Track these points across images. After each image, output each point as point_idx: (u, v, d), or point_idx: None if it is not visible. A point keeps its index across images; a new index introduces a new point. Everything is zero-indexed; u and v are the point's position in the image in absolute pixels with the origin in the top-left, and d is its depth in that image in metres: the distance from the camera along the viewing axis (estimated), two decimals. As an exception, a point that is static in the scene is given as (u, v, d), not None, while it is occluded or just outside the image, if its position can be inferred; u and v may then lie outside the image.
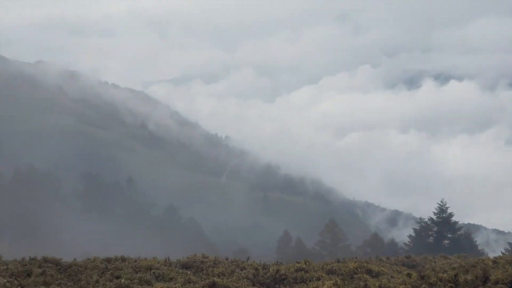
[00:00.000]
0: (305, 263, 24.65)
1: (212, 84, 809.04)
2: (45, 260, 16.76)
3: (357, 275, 21.71)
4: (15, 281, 12.42)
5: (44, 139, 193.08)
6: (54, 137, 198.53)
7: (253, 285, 19.83)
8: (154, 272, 18.48)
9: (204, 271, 21.68)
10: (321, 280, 20.39)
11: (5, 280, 12.17)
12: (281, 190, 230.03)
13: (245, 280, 20.17)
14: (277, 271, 21.72)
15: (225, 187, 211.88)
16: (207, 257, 26.20)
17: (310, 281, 20.43)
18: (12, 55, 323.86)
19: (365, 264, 24.05)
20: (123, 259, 20.74)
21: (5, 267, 14.23)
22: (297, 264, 24.54)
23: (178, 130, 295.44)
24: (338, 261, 27.55)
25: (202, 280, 18.48)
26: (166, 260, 23.89)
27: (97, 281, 14.64)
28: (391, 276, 21.57)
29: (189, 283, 17.37)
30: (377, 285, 18.44)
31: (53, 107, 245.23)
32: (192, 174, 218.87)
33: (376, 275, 21.88)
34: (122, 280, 13.82)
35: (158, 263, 22.11)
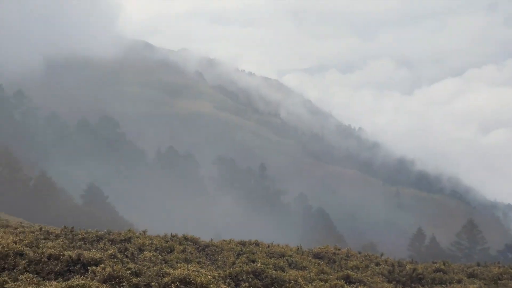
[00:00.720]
0: (444, 264, 23.03)
1: (348, 74, 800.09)
2: (185, 238, 17.16)
3: (502, 281, 19.78)
4: (160, 256, 12.73)
5: (184, 123, 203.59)
6: (194, 121, 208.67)
7: (388, 281, 18.80)
8: (287, 259, 18.16)
9: (336, 263, 20.96)
10: (462, 283, 18.80)
11: (151, 254, 12.52)
12: (414, 186, 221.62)
13: (380, 276, 19.18)
14: (414, 269, 20.45)
15: (356, 179, 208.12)
16: (339, 249, 25.42)
17: (450, 283, 18.93)
18: (158, 43, 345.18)
19: (510, 270, 21.84)
20: (257, 244, 20.71)
21: (150, 241, 14.72)
22: (434, 264, 23.00)
23: (310, 119, 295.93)
24: (479, 265, 25.40)
25: (335, 272, 17.82)
26: (298, 248, 23.52)
27: (233, 263, 14.60)
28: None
29: (323, 273, 16.79)
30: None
31: (193, 93, 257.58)
32: (322, 164, 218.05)
33: (524, 282, 19.76)
34: (258, 265, 13.58)
35: (291, 250, 21.79)
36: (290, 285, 12.73)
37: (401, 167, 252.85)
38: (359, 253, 25.67)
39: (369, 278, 17.31)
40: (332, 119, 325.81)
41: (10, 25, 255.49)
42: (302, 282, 13.13)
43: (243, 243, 19.92)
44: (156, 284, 9.88)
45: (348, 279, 16.10)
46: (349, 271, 17.21)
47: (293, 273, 14.30)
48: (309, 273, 15.86)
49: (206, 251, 16.49)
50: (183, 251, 14.64)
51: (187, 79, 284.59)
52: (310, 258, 20.79)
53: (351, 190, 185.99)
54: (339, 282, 14.45)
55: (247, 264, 13.95)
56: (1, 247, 10.84)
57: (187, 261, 13.36)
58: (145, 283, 10.00)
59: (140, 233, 17.00)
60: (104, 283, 9.53)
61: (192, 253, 15.03)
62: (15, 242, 11.75)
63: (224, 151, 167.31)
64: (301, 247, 23.70)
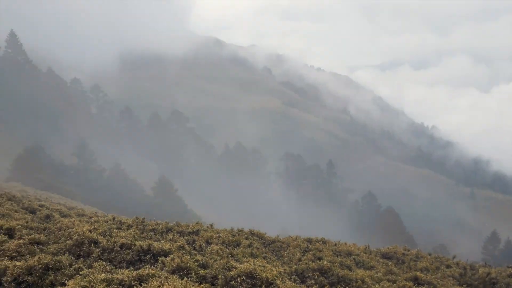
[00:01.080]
0: (522, 269, 21.91)
1: (422, 70, 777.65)
2: (252, 233, 17.27)
3: None
4: (226, 249, 12.86)
5: (252, 119, 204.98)
6: (262, 117, 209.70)
7: (460, 285, 18.13)
8: (354, 258, 17.90)
9: (405, 264, 20.45)
10: (542, 291, 17.87)
11: (217, 247, 12.69)
12: (489, 187, 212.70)
13: (451, 278, 18.52)
14: (488, 274, 19.60)
15: (428, 179, 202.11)
16: (408, 250, 24.78)
17: (526, 289, 18.04)
18: (229, 39, 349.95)
19: None
20: (323, 241, 20.54)
21: (217, 235, 14.91)
22: (509, 268, 21.92)
23: (380, 116, 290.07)
24: (561, 273, 24.00)
25: (404, 273, 17.40)
26: (366, 247, 23.14)
27: (300, 260, 14.54)
28: None
29: (391, 274, 16.44)
30: None
31: (261, 89, 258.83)
32: (393, 163, 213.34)
33: None
34: (324, 262, 13.46)
35: (358, 249, 21.48)
36: (357, 284, 12.55)
37: (476, 168, 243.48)
38: (429, 254, 24.95)
39: (439, 280, 16.79)
40: (404, 117, 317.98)
41: (88, 23, 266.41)
42: (370, 282, 12.91)
43: (309, 240, 19.82)
44: (223, 277, 10.00)
45: (416, 281, 15.70)
46: (418, 273, 16.77)
47: (360, 272, 14.08)
48: (377, 273, 15.59)
49: (272, 247, 16.52)
50: (249, 245, 14.74)
51: (256, 75, 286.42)
52: (378, 258, 20.43)
53: (423, 190, 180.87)
54: (407, 283, 14.11)
55: (313, 262, 13.87)
56: (77, 235, 11.32)
57: (253, 255, 13.43)
58: (211, 276, 10.15)
59: (207, 226, 17.27)
60: (172, 273, 9.76)
61: (258, 248, 15.10)
62: (90, 231, 12.23)
63: (292, 147, 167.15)
64: (368, 246, 23.32)
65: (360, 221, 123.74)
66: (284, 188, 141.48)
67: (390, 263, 19.65)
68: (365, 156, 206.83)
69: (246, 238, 16.28)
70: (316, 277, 12.66)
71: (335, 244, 20.59)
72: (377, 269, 16.97)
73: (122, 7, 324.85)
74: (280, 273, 11.19)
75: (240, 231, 17.59)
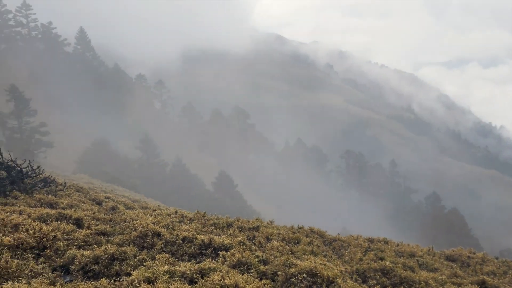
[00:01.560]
0: None
1: (491, 68, 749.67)
2: (312, 230, 17.12)
3: None
4: (286, 246, 12.79)
5: (313, 116, 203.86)
6: (323, 114, 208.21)
7: (530, 290, 17.29)
8: (417, 260, 17.40)
9: (471, 267, 19.68)
10: None
11: (278, 244, 12.63)
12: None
13: (520, 284, 17.71)
14: (561, 282, 18.62)
15: (495, 180, 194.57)
16: (474, 253, 23.85)
17: None
18: (291, 35, 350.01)
19: None
20: (385, 241, 20.09)
21: (277, 231, 14.86)
22: None
23: (446, 115, 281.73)
24: None
25: (469, 276, 16.75)
26: (429, 249, 22.44)
27: (361, 259, 14.29)
28: None
29: (455, 277, 15.86)
30: None
31: (323, 86, 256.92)
32: (458, 163, 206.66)
33: None
34: (387, 263, 13.16)
35: (421, 251, 20.86)
36: (420, 286, 12.21)
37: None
38: (496, 258, 23.95)
39: (506, 285, 16.07)
40: (471, 116, 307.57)
41: (153, 20, 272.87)
42: (434, 284, 12.52)
43: (371, 240, 19.46)
44: (283, 273, 9.94)
45: (484, 285, 15.07)
46: (484, 277, 16.10)
47: (423, 274, 13.69)
48: (441, 275, 15.10)
49: (333, 245, 16.31)
50: (310, 243, 14.61)
51: (318, 72, 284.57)
52: (442, 260, 19.79)
53: (489, 192, 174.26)
54: (473, 287, 13.58)
55: (375, 262, 13.60)
56: (142, 227, 11.55)
57: (314, 253, 13.30)
58: (272, 272, 10.12)
59: (267, 223, 17.27)
60: (233, 268, 9.79)
61: (318, 246, 14.95)
62: (154, 223, 12.47)
63: (353, 145, 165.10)
64: (432, 248, 22.63)
65: (423, 222, 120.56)
66: (345, 187, 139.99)
67: (455, 265, 19.00)
68: (429, 156, 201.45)
69: (307, 236, 16.16)
70: (378, 277, 12.40)
71: (398, 245, 20.12)
72: (441, 271, 16.45)
73: (186, 5, 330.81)
74: (341, 272, 11.03)
75: (300, 228, 17.48)
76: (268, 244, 13.10)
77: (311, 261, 10.81)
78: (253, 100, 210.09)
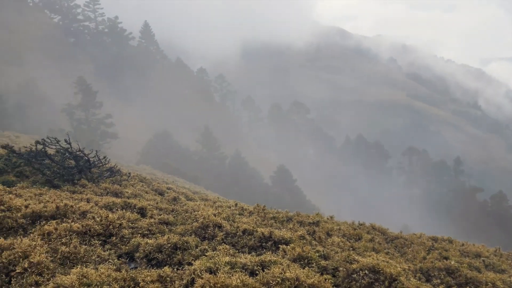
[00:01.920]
0: None
1: None
2: (373, 227, 16.81)
3: None
4: (347, 242, 12.61)
5: (375, 111, 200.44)
6: (385, 109, 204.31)
7: None
8: (483, 260, 16.75)
9: (541, 270, 18.79)
10: None
11: (338, 240, 12.48)
12: None
13: None
14: None
15: None
16: (544, 255, 22.77)
17: None
18: (353, 29, 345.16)
19: None
20: (450, 241, 19.46)
21: (338, 227, 14.69)
22: None
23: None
24: None
25: (538, 279, 16.00)
26: (496, 249, 21.58)
27: (424, 258, 13.90)
28: None
29: (524, 279, 15.19)
30: None
31: (386, 80, 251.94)
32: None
33: None
34: (452, 262, 12.73)
35: (487, 251, 20.07)
36: (487, 287, 11.74)
37: None
38: None
39: None
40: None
41: (214, 15, 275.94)
42: (501, 286, 12.00)
43: (434, 239, 18.91)
44: (344, 269, 9.79)
45: (554, 288, 14.35)
46: (558, 280, 15.33)
47: (490, 275, 13.14)
48: (509, 277, 14.49)
49: (395, 243, 15.95)
50: (371, 240, 14.35)
51: (380, 66, 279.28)
52: (509, 261, 18.98)
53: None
54: (544, 291, 12.94)
55: (439, 261, 13.20)
56: (203, 219, 11.68)
57: (375, 250, 13.06)
58: (333, 267, 9.99)
59: (327, 218, 17.09)
60: (293, 262, 9.74)
61: (380, 243, 14.66)
62: (215, 215, 12.58)
63: (416, 142, 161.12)
64: (499, 249, 21.76)
65: (488, 222, 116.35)
66: (407, 184, 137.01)
67: (524, 267, 18.19)
68: (496, 154, 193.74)
69: (368, 233, 15.88)
70: (442, 276, 12.02)
71: (463, 244, 19.45)
72: (509, 273, 15.78)
73: (247, 0, 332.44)
74: (404, 269, 10.77)
75: (361, 224, 17.20)
76: (328, 240, 12.95)
77: (373, 258, 10.61)
78: (314, 94, 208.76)
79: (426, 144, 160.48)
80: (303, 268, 9.23)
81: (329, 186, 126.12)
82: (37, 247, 8.49)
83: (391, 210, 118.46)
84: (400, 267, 10.33)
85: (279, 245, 10.72)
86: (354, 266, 9.78)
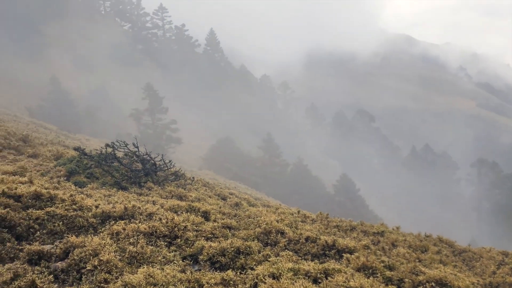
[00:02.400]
0: None
1: None
2: (440, 239, 16.31)
3: None
4: (413, 254, 12.29)
5: (442, 121, 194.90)
6: (453, 119, 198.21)
7: None
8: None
9: None
10: None
11: (404, 251, 12.19)
12: None
13: None
14: None
15: None
16: None
17: None
18: (421, 36, 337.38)
19: None
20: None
21: (403, 238, 14.35)
22: None
23: None
24: None
25: None
26: None
27: (494, 272, 13.35)
28: None
29: None
30: None
31: (454, 89, 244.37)
32: None
33: None
34: (524, 277, 12.20)
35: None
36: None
37: None
38: None
39: None
40: None
41: (278, 22, 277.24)
42: None
43: (505, 253, 18.09)
44: (410, 281, 9.55)
45: None
46: None
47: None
48: None
49: (463, 256, 15.40)
50: (438, 252, 13.92)
51: (449, 74, 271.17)
52: None
53: None
54: None
55: (510, 276, 12.66)
56: (265, 224, 11.70)
57: (442, 263, 12.65)
58: (398, 278, 9.75)
59: (393, 229, 16.75)
60: (357, 271, 9.58)
61: (447, 256, 14.20)
62: (277, 221, 12.58)
63: (486, 153, 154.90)
64: None
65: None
66: (475, 196, 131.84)
67: None
68: None
69: (434, 245, 15.42)
70: (514, 293, 11.54)
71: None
72: None
73: (312, 8, 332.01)
74: (473, 283, 10.38)
75: (428, 236, 16.72)
76: (393, 250, 12.68)
77: (440, 270, 10.31)
78: (379, 102, 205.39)
79: (497, 156, 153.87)
80: (368, 278, 9.07)
81: (393, 196, 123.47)
82: (106, 246, 8.78)
83: (459, 223, 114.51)
84: (469, 281, 9.98)
85: (343, 254, 10.59)
86: (420, 277, 9.53)
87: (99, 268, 8.02)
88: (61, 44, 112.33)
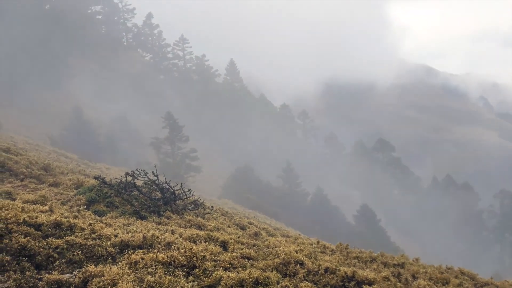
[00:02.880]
0: None
1: None
2: (462, 272, 15.98)
3: None
4: (434, 286, 12.07)
5: (464, 151, 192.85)
6: (474, 150, 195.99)
7: None
8: None
9: None
10: None
11: (425, 283, 11.97)
12: None
13: None
14: None
15: None
16: None
17: None
18: (441, 67, 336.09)
19: None
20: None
21: (424, 270, 14.12)
22: None
23: None
24: None
25: None
26: None
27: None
28: None
29: None
30: None
31: (475, 120, 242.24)
32: None
33: None
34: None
35: None
36: None
37: None
38: None
39: None
40: None
41: (298, 52, 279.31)
42: None
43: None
44: (431, 315, 9.36)
45: None
46: None
47: None
48: None
49: (484, 290, 15.09)
50: (459, 285, 13.64)
51: (469, 105, 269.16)
52: None
53: None
54: None
55: (535, 312, 12.36)
56: (284, 255, 11.61)
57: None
58: (420, 313, 9.57)
59: (413, 260, 16.48)
60: (377, 304, 9.43)
61: (470, 289, 13.92)
62: (296, 252, 12.48)
63: (509, 184, 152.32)
64: None
65: None
66: (498, 228, 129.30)
67: None
68: None
69: (456, 277, 15.11)
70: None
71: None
72: None
73: (330, 38, 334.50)
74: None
75: (449, 268, 16.40)
76: (414, 283, 12.46)
77: (463, 305, 10.12)
78: (399, 132, 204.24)
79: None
80: (388, 311, 8.93)
81: (414, 227, 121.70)
82: (124, 276, 8.78)
83: (481, 256, 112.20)
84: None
85: (362, 285, 10.45)
86: (442, 312, 9.36)
87: (117, 297, 8.02)
88: (84, 74, 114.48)
